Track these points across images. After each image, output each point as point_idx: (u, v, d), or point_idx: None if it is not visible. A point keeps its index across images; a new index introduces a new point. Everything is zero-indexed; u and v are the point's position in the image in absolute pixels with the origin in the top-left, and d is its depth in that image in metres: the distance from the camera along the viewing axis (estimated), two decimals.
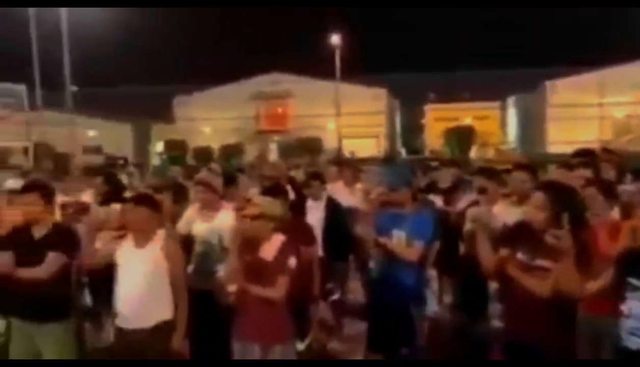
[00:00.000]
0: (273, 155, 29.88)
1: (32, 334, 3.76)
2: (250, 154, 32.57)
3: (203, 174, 4.70)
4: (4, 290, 3.79)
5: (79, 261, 3.88)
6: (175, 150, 33.62)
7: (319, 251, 5.15)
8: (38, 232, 3.82)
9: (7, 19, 23.11)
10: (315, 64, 38.12)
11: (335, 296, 5.69)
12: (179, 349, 3.63)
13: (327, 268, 5.26)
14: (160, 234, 3.75)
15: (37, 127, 26.22)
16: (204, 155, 30.86)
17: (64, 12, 25.35)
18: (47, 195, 3.90)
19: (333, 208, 5.62)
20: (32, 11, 24.09)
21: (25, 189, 3.89)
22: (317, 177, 5.80)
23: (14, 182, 5.73)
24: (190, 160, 31.00)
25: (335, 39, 36.32)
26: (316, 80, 38.39)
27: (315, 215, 5.41)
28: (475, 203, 4.98)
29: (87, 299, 4.91)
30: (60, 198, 5.47)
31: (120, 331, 3.66)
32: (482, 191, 4.74)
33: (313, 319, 4.99)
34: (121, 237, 3.79)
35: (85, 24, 27.63)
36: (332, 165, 7.42)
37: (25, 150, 25.45)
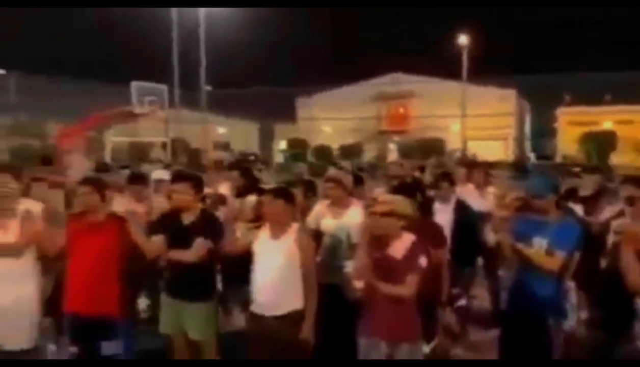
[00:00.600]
0: (393, 155, 29.74)
1: (179, 310, 4.08)
2: (368, 154, 32.73)
3: (334, 171, 4.81)
4: (154, 270, 4.16)
5: (219, 248, 4.13)
6: (297, 148, 34.72)
7: (447, 255, 5.02)
8: (187, 218, 4.12)
9: (152, 22, 25.28)
10: (441, 65, 37.39)
11: (462, 302, 5.52)
12: (308, 338, 3.73)
13: (453, 273, 5.12)
14: (295, 226, 3.89)
15: (174, 124, 28.45)
16: (323, 154, 31.57)
17: (202, 15, 27.23)
18: (197, 185, 4.19)
19: (463, 211, 5.46)
20: (174, 15, 26.13)
21: (177, 179, 4.21)
22: (447, 178, 5.66)
23: (161, 173, 6.25)
24: (310, 158, 31.84)
25: (463, 39, 35.38)
26: (440, 80, 37.65)
27: (443, 217, 5.29)
28: (620, 214, 4.59)
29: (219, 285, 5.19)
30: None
31: (254, 317, 3.84)
32: (630, 201, 4.36)
33: (439, 323, 4.88)
34: (258, 227, 3.98)
35: (221, 27, 29.43)
36: (461, 167, 7.20)
37: (164, 145, 27.71)
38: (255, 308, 3.84)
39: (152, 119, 26.73)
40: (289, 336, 3.71)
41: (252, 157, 19.83)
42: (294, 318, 3.74)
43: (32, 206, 4.39)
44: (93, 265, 4.07)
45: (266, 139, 43.31)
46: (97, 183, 4.22)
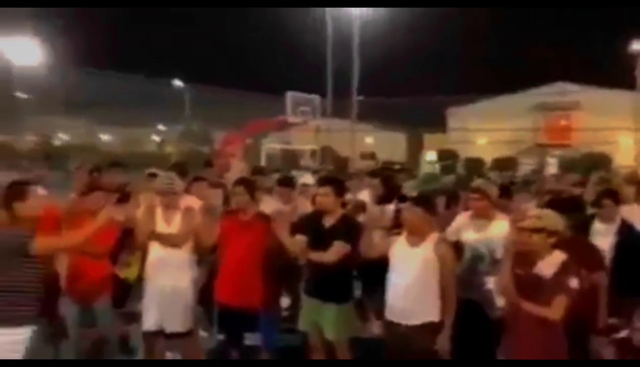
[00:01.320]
0: (552, 170, 27.74)
1: (317, 309, 4.20)
2: (524, 168, 30.90)
3: (479, 182, 4.60)
4: (296, 269, 4.34)
5: (357, 252, 4.18)
6: (447, 159, 33.89)
7: (605, 280, 4.55)
8: (328, 221, 4.24)
9: (309, 37, 26.46)
10: (610, 74, 34.16)
11: (622, 334, 4.96)
12: (443, 351, 3.62)
13: (614, 300, 4.62)
14: (434, 235, 3.81)
15: (324, 133, 29.47)
16: (474, 166, 30.43)
17: (356, 27, 27.91)
18: (339, 189, 4.30)
19: (628, 233, 4.89)
20: (330, 29, 27.11)
21: (321, 182, 4.35)
22: (611, 195, 5.11)
23: (307, 178, 6.51)
24: (460, 170, 30.91)
25: (637, 46, 32.04)
26: (609, 90, 34.39)
27: (604, 239, 4.79)
28: None
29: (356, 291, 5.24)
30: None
31: (388, 324, 3.82)
32: None
33: (590, 353, 4.44)
34: (396, 234, 3.96)
35: (374, 37, 29.90)
36: (629, 185, 6.47)
37: (313, 153, 28.81)
38: (389, 315, 3.82)
39: (304, 130, 27.97)
40: (423, 346, 3.64)
41: (397, 167, 19.87)
42: (429, 329, 3.66)
43: (193, 202, 4.83)
44: (240, 260, 4.35)
45: (414, 149, 42.95)
46: (248, 184, 4.52)
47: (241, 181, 4.56)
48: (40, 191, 3.61)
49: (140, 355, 5.00)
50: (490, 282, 4.09)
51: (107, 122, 40.20)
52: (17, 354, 3.37)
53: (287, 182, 5.58)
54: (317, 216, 4.35)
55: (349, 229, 4.18)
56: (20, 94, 28.69)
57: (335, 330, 4.17)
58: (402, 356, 3.73)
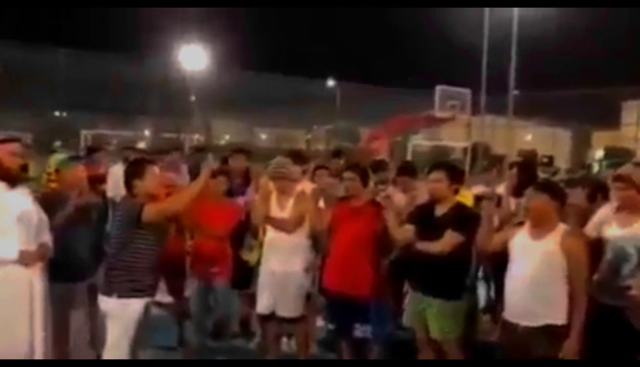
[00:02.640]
0: None
1: (423, 305, 3.90)
2: None
3: (626, 167, 3.89)
4: (406, 261, 4.07)
5: (471, 244, 3.79)
6: (616, 157, 30.36)
7: None
8: (440, 209, 3.92)
9: (464, 29, 25.37)
10: None
11: None
12: (572, 354, 3.12)
13: None
14: (561, 227, 3.30)
15: (476, 129, 28.09)
16: None
17: (515, 18, 26.14)
18: (452, 174, 3.96)
19: None
20: (486, 20, 25.71)
21: (433, 168, 4.03)
22: None
23: None
24: None
25: None
26: None
27: None
28: None
29: (483, 290, 4.81)
30: (478, 188, 5.65)
31: (505, 324, 3.40)
32: None
33: None
34: (518, 225, 3.52)
35: (535, 30, 27.79)
36: None
37: (465, 151, 27.58)
38: (506, 314, 3.40)
39: (456, 124, 26.92)
40: (544, 352, 3.17)
41: (545, 160, 18.20)
42: (551, 333, 3.18)
43: (307, 187, 4.80)
44: (349, 247, 4.20)
45: (579, 146, 39.21)
46: (360, 170, 4.36)
47: (352, 167, 4.41)
48: (157, 170, 3.78)
49: (258, 338, 5.10)
50: (637, 287, 3.45)
51: (264, 122, 42.62)
52: (131, 323, 3.56)
53: (406, 171, 5.29)
54: (430, 204, 4.04)
55: (463, 218, 3.81)
56: (190, 97, 31.53)
57: (440, 328, 3.83)
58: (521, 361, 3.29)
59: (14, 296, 3.31)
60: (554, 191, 3.35)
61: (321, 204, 4.86)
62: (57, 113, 30.63)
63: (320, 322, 5.03)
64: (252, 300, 4.91)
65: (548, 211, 3.29)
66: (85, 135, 20.95)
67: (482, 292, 5.44)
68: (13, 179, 3.41)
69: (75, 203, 4.05)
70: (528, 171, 5.62)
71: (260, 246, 4.84)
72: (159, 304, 5.71)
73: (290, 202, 4.55)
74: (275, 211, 4.57)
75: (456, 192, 4.03)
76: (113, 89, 27.00)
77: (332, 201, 4.70)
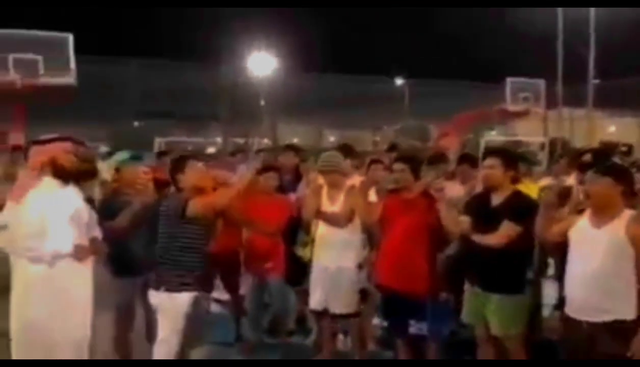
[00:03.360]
0: None
1: (482, 300, 3.69)
2: None
3: None
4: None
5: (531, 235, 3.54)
6: None
7: None
8: (496, 199, 3.70)
9: (535, 15, 24.16)
10: None
11: None
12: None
13: None
14: (627, 213, 3.01)
15: (554, 123, 26.73)
16: None
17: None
18: (508, 161, 3.72)
19: None
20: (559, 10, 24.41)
21: (488, 154, 3.81)
22: None
23: None
24: None
25: None
26: None
27: None
28: None
29: (554, 285, 4.49)
30: (545, 181, 5.36)
31: (567, 321, 3.15)
32: None
33: None
34: (580, 212, 3.25)
35: (615, 14, 26.12)
36: None
37: (542, 146, 26.30)
38: (568, 310, 3.14)
39: (532, 118, 25.75)
40: (610, 350, 2.89)
41: (624, 148, 16.97)
42: (619, 329, 2.90)
43: (357, 181, 4.69)
44: (402, 241, 4.05)
45: None
46: (411, 161, 4.19)
47: (402, 158, 4.25)
48: (199, 164, 3.81)
49: (314, 335, 5.04)
50: None
51: (332, 124, 42.74)
52: (180, 317, 3.59)
53: (465, 160, 5.05)
54: (486, 194, 3.81)
55: (521, 207, 3.56)
56: (259, 102, 32.16)
57: (500, 324, 3.59)
58: (584, 359, 3.03)
59: (69, 287, 3.42)
60: (618, 173, 3.06)
61: (373, 197, 4.75)
62: (131, 123, 32.07)
63: (377, 319, 4.91)
64: (307, 296, 4.86)
65: (611, 195, 3.00)
66: (159, 142, 21.76)
67: (553, 287, 5.09)
68: (67, 177, 3.53)
69: (142, 203, 4.13)
70: (602, 159, 5.23)
71: (313, 241, 4.79)
72: (217, 301, 5.83)
73: (341, 197, 4.46)
74: (327, 206, 4.50)
75: (514, 180, 3.77)
76: (185, 97, 27.97)
77: (384, 194, 4.56)
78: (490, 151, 3.83)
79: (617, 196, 3.01)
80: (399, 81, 40.01)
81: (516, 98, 19.75)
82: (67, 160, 3.51)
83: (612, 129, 35.34)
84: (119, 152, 4.50)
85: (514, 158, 3.78)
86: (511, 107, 19.97)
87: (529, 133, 29.20)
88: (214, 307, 5.73)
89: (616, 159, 7.77)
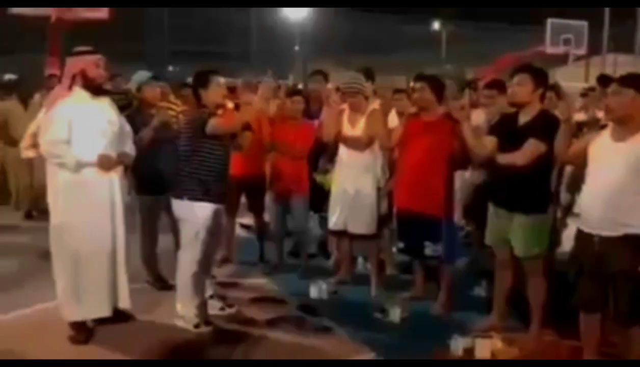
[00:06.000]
0: None
1: (505, 222, 3.66)
2: None
3: None
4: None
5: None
6: None
7: None
8: (523, 118, 3.61)
9: None
10: None
11: None
12: None
13: None
14: None
15: (596, 69, 25.60)
16: None
17: None
18: (538, 78, 3.57)
19: None
20: None
21: (517, 70, 3.66)
22: None
23: None
24: None
25: None
26: None
27: None
28: None
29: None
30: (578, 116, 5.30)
31: (581, 236, 3.13)
32: None
33: None
34: (601, 128, 3.18)
35: None
36: None
37: (583, 94, 25.20)
38: (582, 225, 3.12)
39: (573, 64, 24.73)
40: (622, 265, 2.89)
41: None
42: (632, 243, 2.87)
43: (377, 105, 4.68)
44: (421, 162, 4.06)
45: None
46: (431, 81, 4.13)
47: (421, 77, 4.19)
48: (222, 80, 3.85)
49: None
50: None
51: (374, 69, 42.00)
52: (201, 226, 3.73)
53: (494, 84, 4.88)
54: (513, 114, 3.71)
55: (547, 126, 3.45)
56: (294, 45, 31.75)
57: (524, 246, 3.56)
58: (597, 275, 3.03)
59: (96, 196, 3.58)
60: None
61: (394, 122, 4.73)
62: (170, 68, 32.19)
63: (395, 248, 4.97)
64: (327, 222, 4.95)
65: (634, 108, 2.91)
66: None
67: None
68: (97, 89, 3.64)
69: (158, 122, 4.29)
70: None
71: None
72: (243, 226, 6.01)
73: (362, 121, 4.46)
74: (347, 129, 4.51)
75: (542, 98, 3.66)
76: (219, 39, 27.92)
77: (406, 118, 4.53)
78: (520, 68, 3.66)
79: (638, 109, 2.93)
80: (435, 25, 38.84)
81: (556, 40, 18.89)
82: (96, 73, 3.63)
83: None
84: (139, 72, 4.59)
85: (544, 75, 3.64)
86: (550, 50, 19.10)
87: (569, 79, 28.03)
88: (240, 232, 5.94)
89: None
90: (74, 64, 3.64)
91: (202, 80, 3.81)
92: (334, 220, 4.59)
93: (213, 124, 3.67)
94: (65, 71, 3.70)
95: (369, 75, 4.92)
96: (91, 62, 3.62)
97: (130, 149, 3.81)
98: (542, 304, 3.64)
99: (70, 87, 3.62)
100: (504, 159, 3.59)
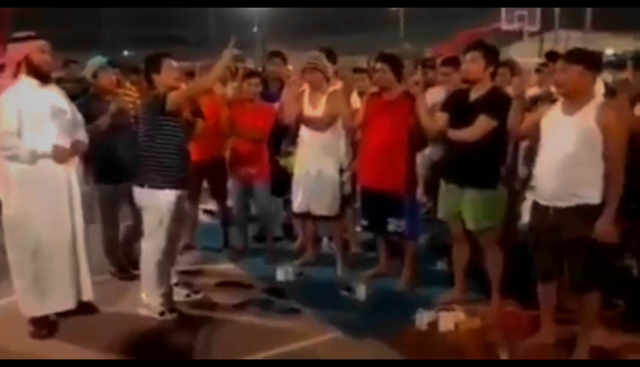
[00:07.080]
0: None
1: (456, 197, 3.76)
2: None
3: None
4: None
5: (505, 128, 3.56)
6: None
7: None
8: (474, 94, 3.68)
9: None
10: None
11: None
12: (603, 235, 2.93)
13: None
14: (597, 100, 3.05)
15: (549, 44, 26.21)
16: None
17: None
18: (490, 55, 3.63)
19: None
20: None
21: (470, 48, 3.71)
22: None
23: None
24: None
25: None
26: None
27: None
28: None
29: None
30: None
31: (536, 208, 3.23)
32: None
33: None
34: (552, 102, 3.28)
35: None
36: None
37: (537, 70, 25.77)
38: (537, 197, 3.22)
39: (527, 40, 25.21)
40: (575, 233, 2.99)
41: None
42: (583, 212, 2.98)
43: (338, 86, 4.68)
44: (383, 141, 4.10)
45: None
46: (391, 61, 4.16)
47: (382, 56, 4.21)
48: (174, 63, 3.78)
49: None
50: None
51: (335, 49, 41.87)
52: (165, 214, 3.68)
53: (450, 61, 4.96)
54: (464, 90, 3.80)
55: (498, 101, 3.54)
56: (252, 28, 31.33)
57: (475, 219, 3.66)
58: (552, 245, 3.14)
59: (52, 187, 3.48)
60: (588, 59, 3.04)
61: (356, 104, 4.74)
62: (125, 53, 31.39)
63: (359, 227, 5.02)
64: (291, 205, 4.95)
65: (582, 82, 3.00)
66: None
67: None
68: (44, 76, 3.51)
69: (115, 108, 4.19)
70: None
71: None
72: (206, 212, 5.96)
73: (323, 101, 4.46)
74: (308, 110, 4.51)
75: (493, 75, 3.73)
76: (175, 24, 27.36)
77: (366, 98, 4.56)
78: (473, 45, 3.72)
79: (588, 83, 3.02)
80: (393, 8, 38.98)
81: (511, 17, 19.23)
82: (42, 59, 3.49)
83: (609, 52, 34.75)
84: (95, 58, 4.46)
85: (495, 53, 3.72)
86: (505, 26, 19.46)
87: (523, 54, 28.62)
88: (203, 218, 5.89)
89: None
90: (16, 50, 3.47)
91: (153, 64, 3.73)
92: (297, 202, 4.60)
93: (173, 97, 3.61)
94: (8, 59, 3.53)
95: (331, 56, 4.90)
96: (35, 48, 3.46)
97: (83, 136, 3.70)
98: (500, 275, 3.75)
99: (15, 76, 3.47)
100: (455, 135, 3.67)
